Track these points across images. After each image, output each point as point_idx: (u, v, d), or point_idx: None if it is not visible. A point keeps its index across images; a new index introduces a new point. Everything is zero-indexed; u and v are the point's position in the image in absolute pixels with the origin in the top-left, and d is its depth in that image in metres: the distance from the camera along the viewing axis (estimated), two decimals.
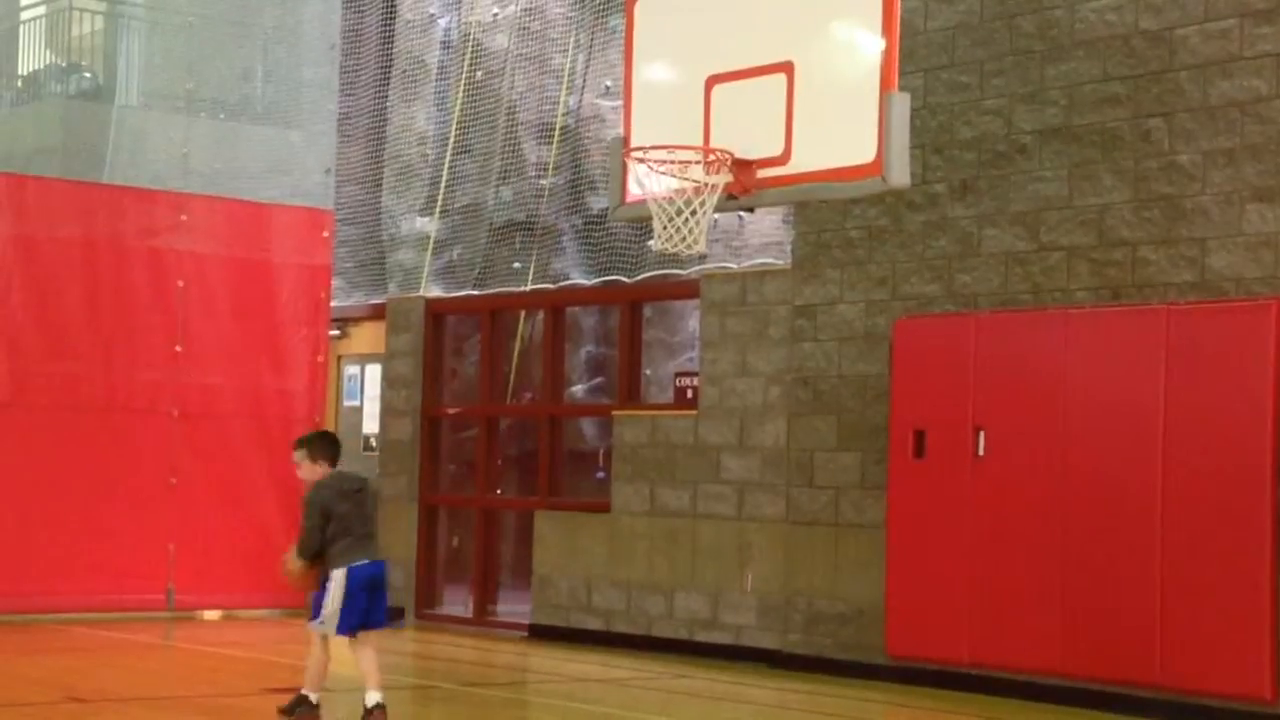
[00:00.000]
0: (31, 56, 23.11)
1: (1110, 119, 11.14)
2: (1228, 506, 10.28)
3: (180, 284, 15.41)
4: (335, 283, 16.57)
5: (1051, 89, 11.44)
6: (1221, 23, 10.69)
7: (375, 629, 9.41)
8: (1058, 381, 11.10)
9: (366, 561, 9.32)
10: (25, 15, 23.55)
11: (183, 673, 12.27)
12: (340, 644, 9.43)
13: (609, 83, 15.03)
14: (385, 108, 16.92)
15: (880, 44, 8.54)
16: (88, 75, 21.49)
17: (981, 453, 11.43)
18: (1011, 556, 11.21)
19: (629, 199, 9.63)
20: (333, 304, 16.42)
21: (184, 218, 15.54)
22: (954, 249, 11.89)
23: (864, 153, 8.52)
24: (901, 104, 8.48)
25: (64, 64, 21.99)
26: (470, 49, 16.16)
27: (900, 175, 8.51)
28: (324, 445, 9.67)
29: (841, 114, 8.70)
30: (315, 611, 9.36)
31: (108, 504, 14.83)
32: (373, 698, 9.24)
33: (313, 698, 9.52)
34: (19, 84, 23.02)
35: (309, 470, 9.58)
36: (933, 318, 11.91)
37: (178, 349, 15.35)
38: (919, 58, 11.87)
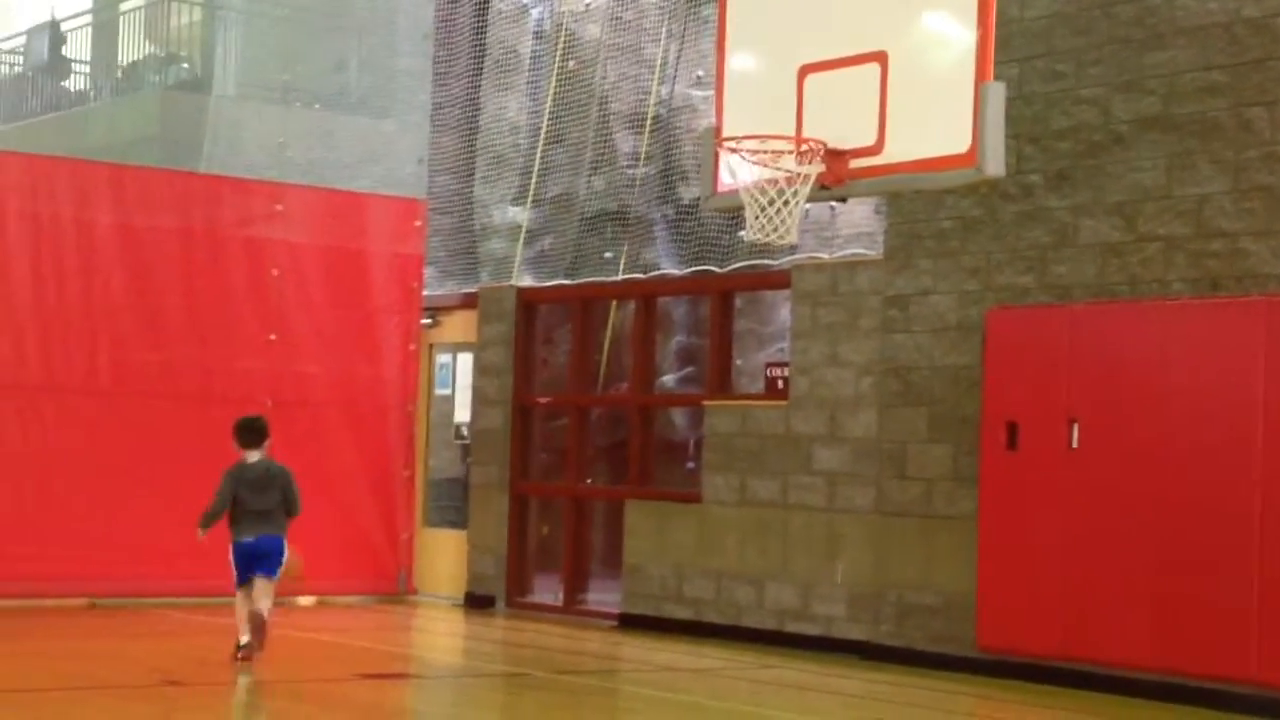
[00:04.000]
0: (131, 47, 23.46)
1: (1210, 108, 10.99)
2: None
3: (275, 273, 15.54)
4: (427, 272, 16.66)
5: (1150, 78, 11.31)
6: None
7: (265, 577, 11.35)
8: (1154, 374, 10.98)
9: (250, 539, 11.33)
10: (125, 7, 23.90)
11: (277, 657, 12.37)
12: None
13: (701, 72, 15.03)
14: (478, 98, 17.00)
15: (975, 33, 8.49)
16: (185, 66, 21.78)
17: (1075, 445, 11.33)
18: (1105, 549, 11.11)
19: (721, 189, 9.62)
20: (425, 293, 16.51)
21: (279, 207, 15.66)
22: (1048, 240, 11.79)
23: (958, 143, 8.47)
24: (997, 94, 8.42)
25: (162, 55, 22.31)
26: (563, 39, 16.21)
27: (995, 165, 8.45)
28: (237, 434, 11.70)
29: (935, 104, 8.66)
30: None
31: (204, 490, 14.95)
32: (245, 639, 11.15)
33: (241, 639, 11.22)
34: (119, 75, 23.37)
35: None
36: (1026, 309, 11.82)
37: (272, 338, 15.48)
38: (1014, 47, 11.77)
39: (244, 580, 11.38)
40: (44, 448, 14.31)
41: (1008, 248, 12.01)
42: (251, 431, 11.71)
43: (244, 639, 11.15)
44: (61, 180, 14.74)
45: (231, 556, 11.46)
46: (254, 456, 11.65)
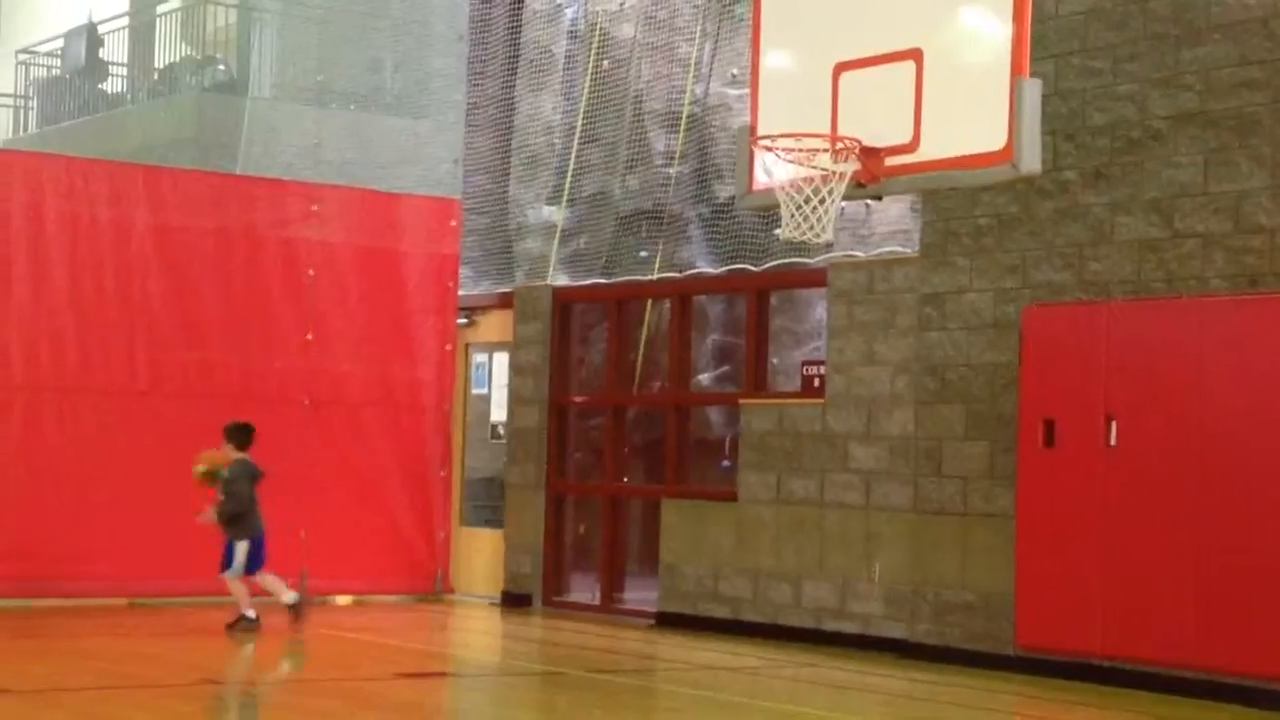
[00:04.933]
0: (167, 50, 23.56)
1: (1248, 103, 10.93)
2: None
3: (311, 273, 15.60)
4: (463, 271, 16.70)
5: (1186, 73, 11.26)
6: None
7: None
8: (1193, 371, 10.93)
9: (261, 531, 13.16)
10: (161, 9, 24.00)
11: (316, 656, 12.45)
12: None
13: (735, 71, 15.01)
14: (513, 97, 17.02)
15: (1010, 29, 8.46)
16: (221, 68, 21.87)
17: (1113, 442, 11.29)
18: (1145, 546, 11.07)
19: (756, 187, 9.61)
20: (461, 292, 16.55)
21: (315, 208, 15.72)
22: (1085, 236, 11.75)
23: (994, 140, 8.44)
24: (1033, 90, 8.40)
25: (199, 57, 22.39)
26: (597, 38, 16.22)
27: (1031, 162, 8.42)
28: (241, 435, 13.30)
29: (971, 101, 8.63)
30: (227, 563, 13.11)
31: None
32: (291, 597, 13.17)
33: (250, 614, 13.00)
34: (155, 77, 23.48)
35: (230, 452, 13.25)
36: (1063, 306, 11.78)
37: (309, 338, 15.54)
38: (1050, 43, 11.74)
39: (255, 569, 13.18)
40: (82, 448, 14.38)
41: (1045, 244, 11.97)
42: (251, 432, 13.39)
43: (288, 598, 13.17)
44: (99, 182, 14.83)
45: (248, 550, 13.11)
46: (248, 455, 13.35)
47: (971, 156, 8.60)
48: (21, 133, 25.81)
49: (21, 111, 26.50)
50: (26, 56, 26.41)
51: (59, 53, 25.25)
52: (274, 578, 13.27)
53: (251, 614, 12.98)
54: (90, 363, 14.59)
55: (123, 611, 14.16)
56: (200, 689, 10.34)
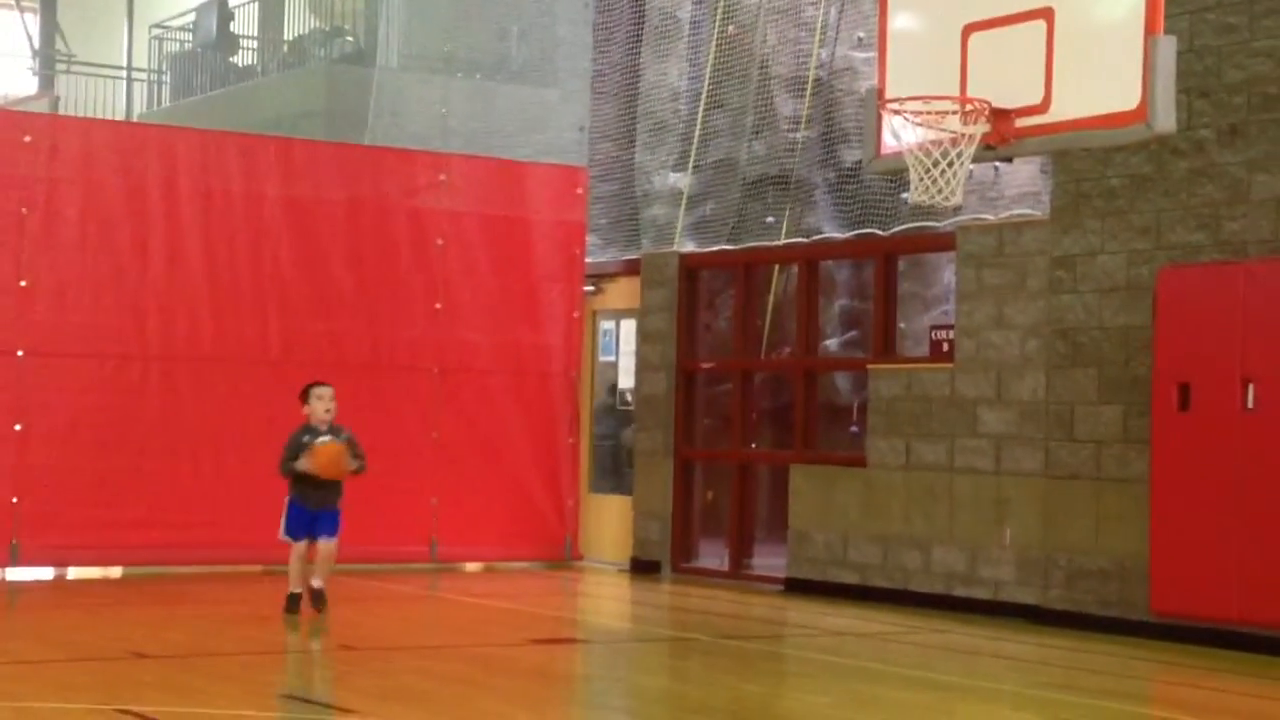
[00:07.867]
0: (296, 22, 23.81)
1: None
2: None
3: (439, 243, 15.70)
4: (589, 239, 16.74)
5: None
6: None
7: (326, 538, 11.91)
8: None
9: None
10: None
11: (448, 623, 12.57)
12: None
13: (861, 34, 14.91)
14: (638, 64, 17.02)
15: None
16: (349, 39, 22.09)
17: (1250, 406, 11.10)
18: None
19: (884, 151, 9.55)
20: (587, 260, 16.59)
21: (443, 177, 15.80)
22: (1221, 196, 11.54)
23: (1127, 99, 8.32)
24: (1167, 47, 8.27)
25: (327, 29, 22.62)
26: (722, 3, 16.16)
27: (1166, 121, 8.30)
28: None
29: (1103, 60, 8.51)
30: (331, 529, 11.99)
31: (373, 458, 15.14)
32: (316, 583, 11.87)
33: (296, 591, 11.92)
34: (285, 49, 23.76)
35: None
36: (1199, 267, 11.58)
37: (437, 306, 15.65)
38: None
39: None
40: (217, 417, 14.59)
41: (1179, 205, 11.77)
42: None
43: (316, 584, 11.98)
44: (231, 154, 15.00)
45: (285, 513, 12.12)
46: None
47: (1104, 116, 8.49)
48: (155, 107, 26.27)
49: (155, 86, 26.96)
50: (159, 31, 26.86)
51: (190, 27, 25.64)
52: (323, 558, 12.07)
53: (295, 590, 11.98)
54: (224, 332, 14.79)
55: (257, 578, 14.37)
56: (335, 654, 10.48)
